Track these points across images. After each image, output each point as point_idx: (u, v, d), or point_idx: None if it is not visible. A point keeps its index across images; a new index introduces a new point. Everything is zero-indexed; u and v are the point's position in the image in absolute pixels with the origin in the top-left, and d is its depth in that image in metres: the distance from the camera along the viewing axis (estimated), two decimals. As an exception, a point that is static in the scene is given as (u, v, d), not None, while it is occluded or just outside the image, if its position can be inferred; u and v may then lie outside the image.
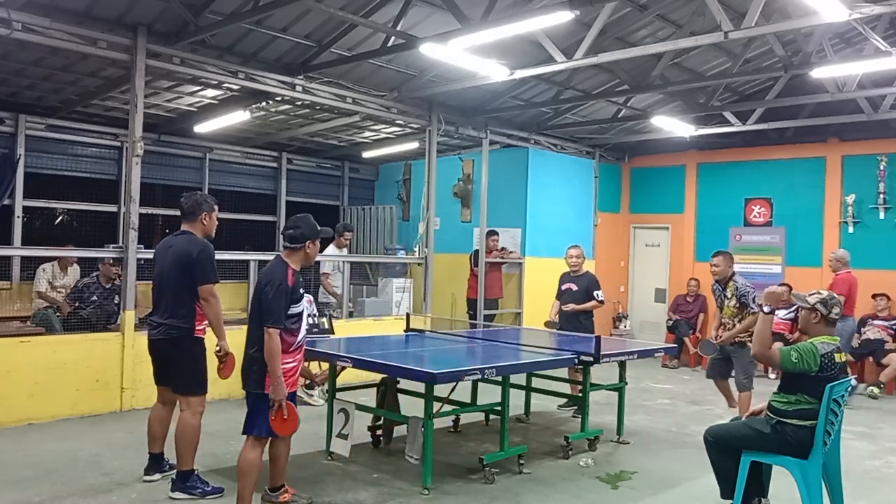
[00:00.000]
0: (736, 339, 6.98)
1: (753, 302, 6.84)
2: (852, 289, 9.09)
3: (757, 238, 11.87)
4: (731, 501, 4.38)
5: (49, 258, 8.65)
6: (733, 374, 7.14)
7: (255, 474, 4.29)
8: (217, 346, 4.86)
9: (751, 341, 6.89)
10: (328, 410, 5.60)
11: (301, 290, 4.42)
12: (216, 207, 5.10)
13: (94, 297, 8.27)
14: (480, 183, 10.81)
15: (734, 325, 6.96)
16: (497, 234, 10.86)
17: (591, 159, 12.89)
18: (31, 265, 8.88)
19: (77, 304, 8.12)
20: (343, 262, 9.60)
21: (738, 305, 6.94)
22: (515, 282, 11.43)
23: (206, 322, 4.90)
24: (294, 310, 4.31)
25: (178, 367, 4.84)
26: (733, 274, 7.08)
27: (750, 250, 11.90)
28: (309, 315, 8.01)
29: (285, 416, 4.19)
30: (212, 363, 4.94)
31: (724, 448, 4.43)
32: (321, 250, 5.75)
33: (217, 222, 5.12)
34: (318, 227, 4.49)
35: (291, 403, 4.25)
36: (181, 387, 4.84)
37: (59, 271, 8.78)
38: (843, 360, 4.26)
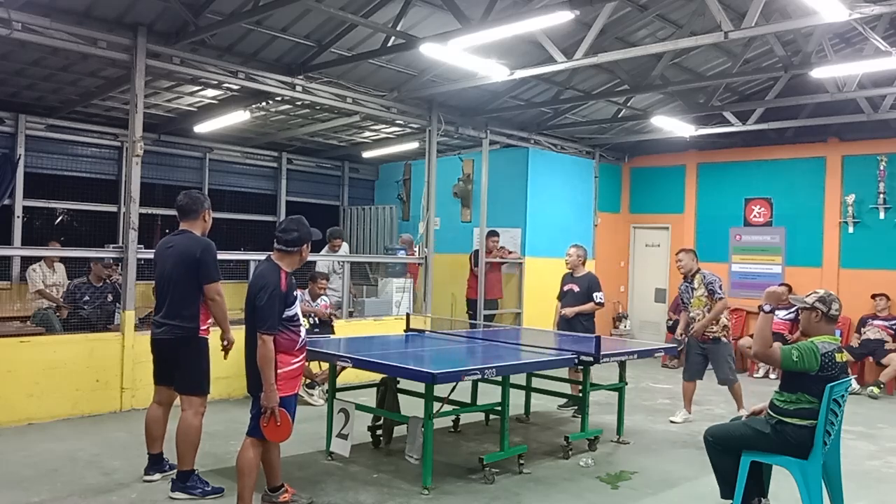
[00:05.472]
0: (710, 336, 7.11)
1: (720, 289, 7.16)
2: None
3: (757, 238, 11.86)
4: (731, 501, 4.38)
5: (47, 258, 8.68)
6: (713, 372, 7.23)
7: (255, 474, 4.29)
8: (223, 338, 4.89)
9: (724, 336, 7.06)
10: (328, 410, 5.60)
11: (295, 293, 4.37)
12: None
13: (87, 297, 8.29)
14: (480, 183, 10.81)
15: (704, 316, 7.12)
16: (497, 234, 10.85)
17: (591, 159, 12.89)
18: (30, 265, 8.88)
19: (74, 306, 8.13)
20: (334, 262, 9.65)
21: (706, 294, 7.17)
22: (515, 282, 11.43)
23: (211, 321, 4.91)
24: (289, 312, 4.28)
25: (182, 367, 4.83)
26: (699, 269, 7.38)
27: (750, 250, 11.89)
28: (314, 315, 8.11)
29: (278, 423, 4.16)
30: (216, 362, 4.94)
31: (724, 448, 4.42)
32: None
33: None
34: (310, 230, 4.49)
35: (285, 410, 4.20)
36: (184, 386, 4.84)
37: (48, 269, 8.80)
38: (844, 360, 4.26)
